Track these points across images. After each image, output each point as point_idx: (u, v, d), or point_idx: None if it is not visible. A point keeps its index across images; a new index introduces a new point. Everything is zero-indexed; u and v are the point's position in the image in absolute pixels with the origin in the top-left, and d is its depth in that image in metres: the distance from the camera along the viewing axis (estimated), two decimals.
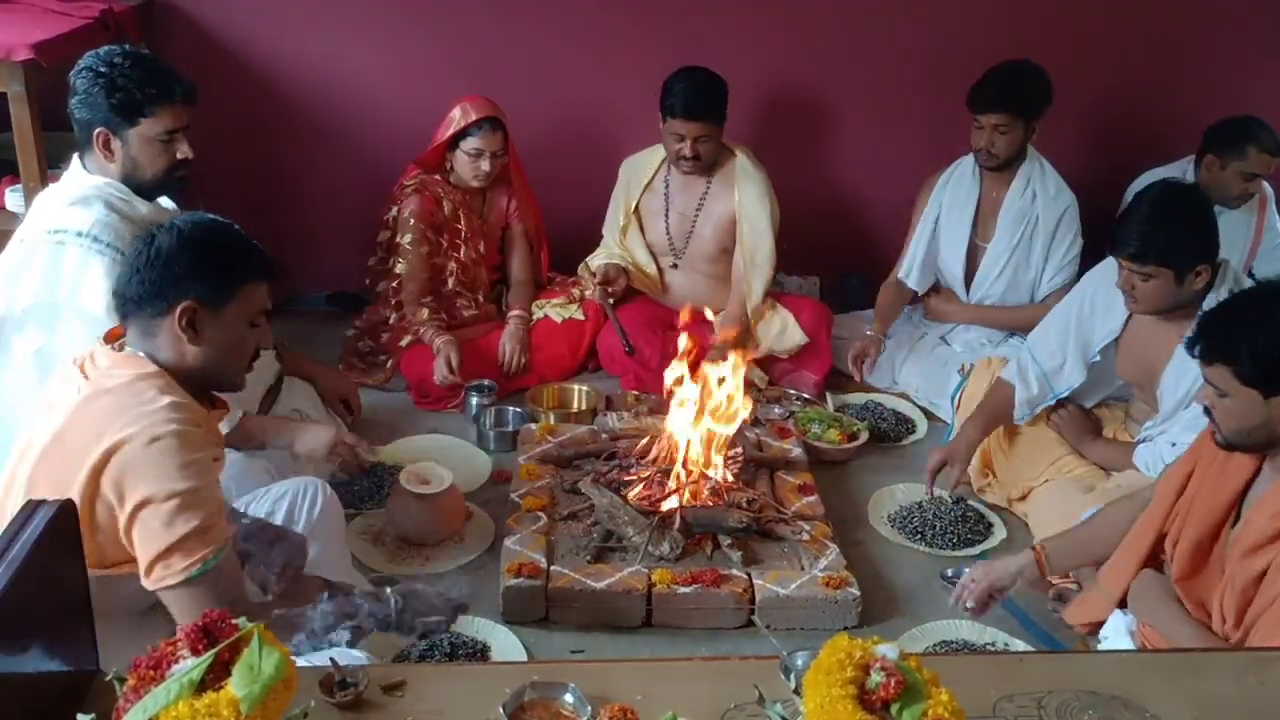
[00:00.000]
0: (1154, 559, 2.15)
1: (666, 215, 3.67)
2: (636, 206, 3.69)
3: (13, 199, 3.24)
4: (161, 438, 1.71)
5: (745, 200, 3.54)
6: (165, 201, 2.49)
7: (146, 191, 2.39)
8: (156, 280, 1.78)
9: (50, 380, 1.93)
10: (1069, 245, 3.46)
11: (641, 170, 3.67)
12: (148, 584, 1.73)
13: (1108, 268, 2.75)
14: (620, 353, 3.58)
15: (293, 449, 2.60)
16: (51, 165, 3.29)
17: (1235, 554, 1.92)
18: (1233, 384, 1.89)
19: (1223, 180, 3.39)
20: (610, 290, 3.62)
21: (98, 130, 2.32)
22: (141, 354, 1.81)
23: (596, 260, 3.72)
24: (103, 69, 2.30)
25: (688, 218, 3.65)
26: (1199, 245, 2.51)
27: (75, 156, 2.42)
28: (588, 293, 3.68)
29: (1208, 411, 1.97)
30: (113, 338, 1.87)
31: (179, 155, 2.38)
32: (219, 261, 1.81)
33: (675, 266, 3.73)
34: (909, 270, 3.66)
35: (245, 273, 1.84)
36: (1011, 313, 3.57)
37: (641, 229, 3.72)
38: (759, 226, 3.54)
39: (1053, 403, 2.97)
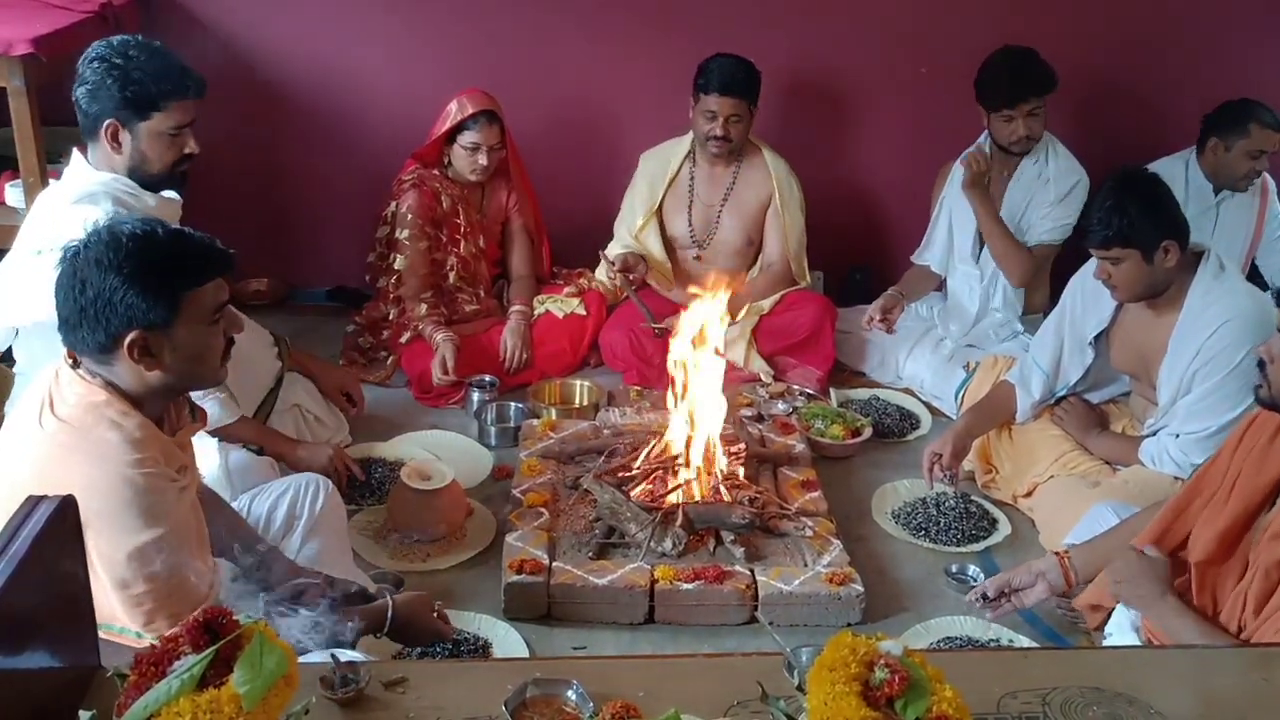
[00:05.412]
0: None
1: (690, 208, 3.69)
2: (660, 202, 3.70)
3: (13, 194, 3.24)
4: (120, 481, 1.65)
5: (783, 186, 3.63)
6: (169, 193, 2.46)
7: (152, 185, 2.37)
8: (92, 315, 1.64)
9: (24, 394, 1.84)
10: (1073, 212, 3.43)
11: (665, 164, 3.69)
12: (150, 634, 1.67)
13: (1089, 267, 2.78)
14: (624, 349, 3.57)
15: (291, 466, 2.69)
16: (51, 160, 3.29)
17: (1265, 537, 1.90)
18: None
19: (1229, 162, 3.40)
20: (631, 277, 3.61)
21: (107, 122, 2.29)
22: (97, 378, 1.71)
23: (614, 250, 3.71)
24: (117, 60, 2.27)
25: (713, 209, 3.70)
26: (1157, 220, 2.55)
27: (75, 151, 2.38)
28: (610, 281, 3.64)
29: (1261, 366, 1.94)
30: (74, 354, 1.76)
31: (186, 150, 2.37)
32: (151, 280, 1.64)
33: (698, 259, 3.73)
34: (921, 252, 3.71)
35: (183, 282, 1.68)
36: (1009, 241, 3.48)
37: (661, 224, 3.73)
38: (795, 211, 3.66)
39: (1055, 400, 2.98)
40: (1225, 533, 1.96)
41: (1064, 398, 2.98)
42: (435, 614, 2.08)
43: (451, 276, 3.61)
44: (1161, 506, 2.18)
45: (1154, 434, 2.73)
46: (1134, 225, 2.53)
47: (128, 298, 1.64)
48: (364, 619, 1.96)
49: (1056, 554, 2.33)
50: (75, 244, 1.68)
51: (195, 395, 1.93)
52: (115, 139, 2.31)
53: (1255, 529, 1.95)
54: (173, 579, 1.68)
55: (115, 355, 1.68)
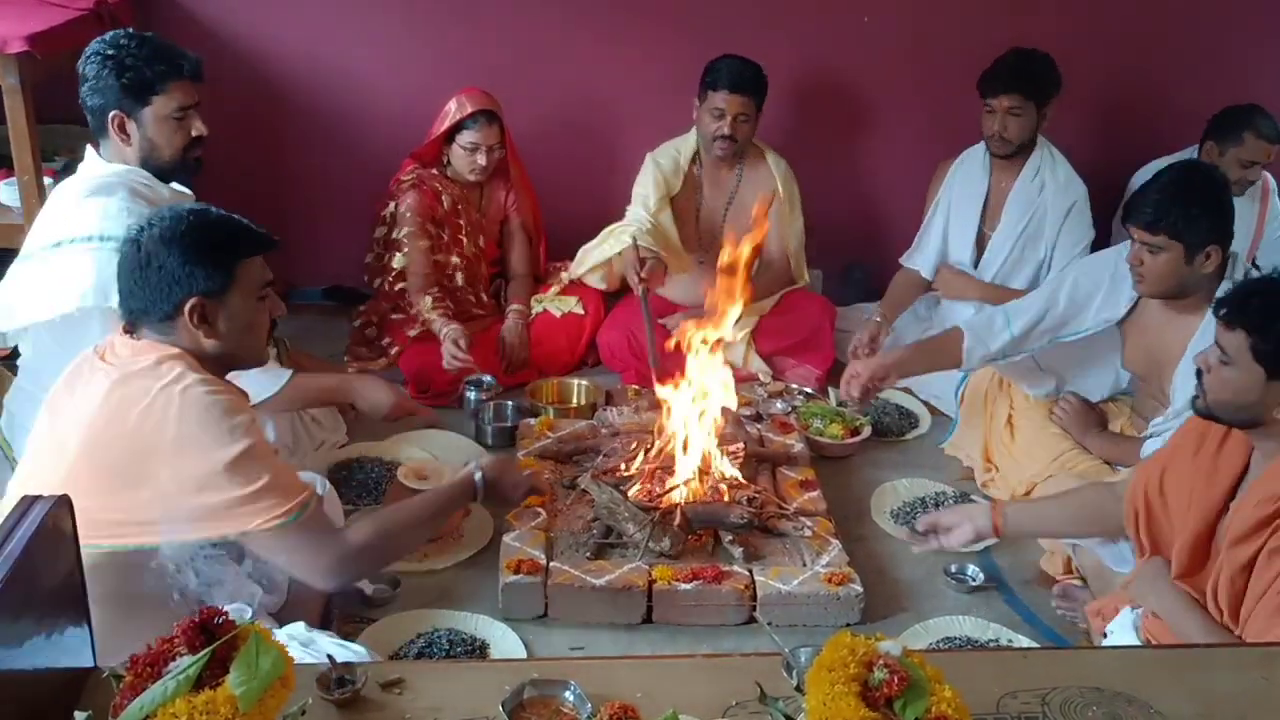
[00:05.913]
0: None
1: (698, 211, 3.68)
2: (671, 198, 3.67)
3: (7, 192, 3.23)
4: (203, 406, 1.77)
5: (785, 187, 3.63)
6: (180, 187, 2.49)
7: (166, 174, 2.41)
8: (156, 286, 1.82)
9: (66, 374, 1.92)
10: (1079, 235, 3.43)
11: (675, 159, 3.65)
12: (231, 528, 1.79)
13: (1115, 254, 2.75)
14: (622, 349, 3.56)
15: (354, 404, 2.72)
16: (46, 159, 3.29)
17: (1225, 545, 1.91)
18: (1244, 355, 1.88)
19: (1221, 168, 3.38)
20: (651, 288, 3.48)
21: (112, 114, 2.33)
22: (163, 343, 1.85)
23: (627, 232, 3.53)
24: (110, 52, 2.32)
25: (717, 211, 3.68)
26: (1212, 224, 2.49)
27: (89, 148, 2.42)
28: (634, 266, 3.46)
29: (1199, 374, 1.95)
30: (130, 329, 1.90)
31: (194, 133, 2.40)
32: (209, 249, 1.83)
33: (702, 262, 3.63)
34: (910, 255, 3.68)
35: (238, 252, 1.87)
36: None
37: (671, 216, 3.69)
38: (795, 211, 3.67)
39: (1045, 390, 2.96)
40: (1193, 545, 1.99)
41: (1065, 396, 2.97)
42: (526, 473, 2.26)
43: (458, 277, 3.59)
44: (1113, 488, 2.22)
45: (1158, 435, 2.72)
46: (1190, 220, 2.46)
47: (189, 266, 1.81)
48: (455, 491, 2.22)
49: (990, 500, 2.35)
50: (138, 225, 1.86)
51: None
52: (123, 130, 2.35)
53: (1218, 537, 1.96)
54: (280, 467, 1.86)
55: (177, 323, 1.84)
